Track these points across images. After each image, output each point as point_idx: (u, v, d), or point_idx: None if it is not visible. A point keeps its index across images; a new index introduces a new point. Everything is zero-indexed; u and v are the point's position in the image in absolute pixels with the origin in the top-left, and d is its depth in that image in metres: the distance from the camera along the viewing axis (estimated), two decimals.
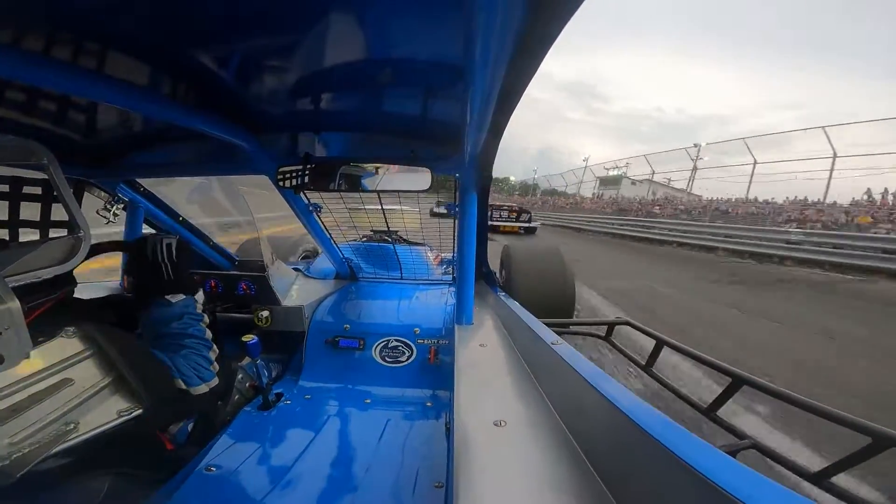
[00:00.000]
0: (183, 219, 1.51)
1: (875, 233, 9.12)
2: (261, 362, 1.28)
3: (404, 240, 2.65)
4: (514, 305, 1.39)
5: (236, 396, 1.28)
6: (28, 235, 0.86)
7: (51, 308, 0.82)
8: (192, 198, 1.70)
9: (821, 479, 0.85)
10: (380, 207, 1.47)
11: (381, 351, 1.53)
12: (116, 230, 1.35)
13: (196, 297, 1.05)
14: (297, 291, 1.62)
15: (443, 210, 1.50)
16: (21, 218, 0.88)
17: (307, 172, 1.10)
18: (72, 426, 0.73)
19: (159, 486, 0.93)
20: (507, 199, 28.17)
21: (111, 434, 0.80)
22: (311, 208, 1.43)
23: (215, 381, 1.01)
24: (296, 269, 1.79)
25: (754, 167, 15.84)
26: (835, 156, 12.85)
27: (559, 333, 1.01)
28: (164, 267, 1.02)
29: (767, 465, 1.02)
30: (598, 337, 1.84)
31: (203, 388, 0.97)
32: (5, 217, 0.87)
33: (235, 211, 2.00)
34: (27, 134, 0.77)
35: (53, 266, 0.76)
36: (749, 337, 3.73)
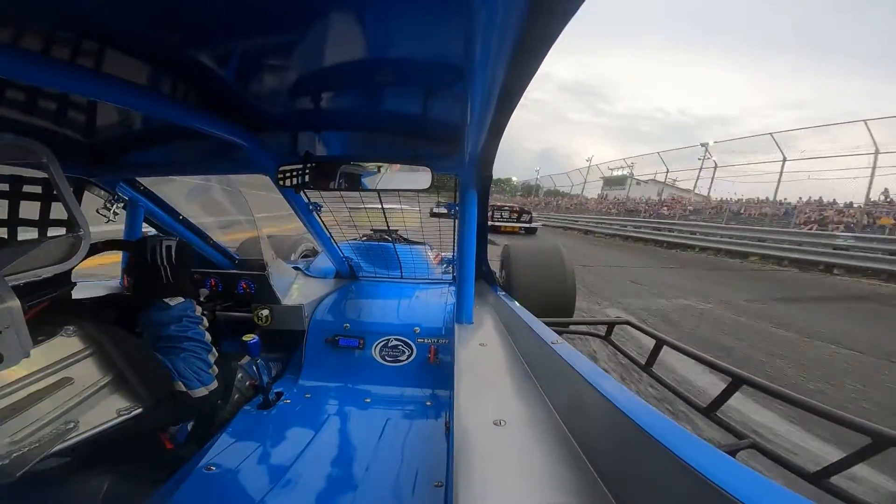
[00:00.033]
0: (183, 218, 1.51)
1: None
2: (261, 361, 1.29)
3: (404, 239, 2.65)
4: (514, 305, 1.39)
5: (236, 395, 1.29)
6: (28, 234, 0.86)
7: (51, 307, 0.82)
8: (191, 197, 1.70)
9: (820, 479, 0.85)
10: (380, 206, 1.47)
11: (380, 350, 1.53)
12: (117, 228, 1.35)
13: (200, 291, 1.05)
14: (297, 290, 1.62)
15: (443, 210, 1.50)
16: (21, 217, 0.88)
17: (307, 171, 1.10)
18: (72, 425, 0.73)
19: (159, 484, 0.93)
20: (509, 199, 28.12)
21: (111, 433, 0.80)
22: (311, 207, 1.43)
23: (214, 385, 1.02)
24: (296, 268, 1.79)
25: (783, 164, 13.78)
26: (877, 152, 11.02)
27: (559, 333, 1.01)
28: (164, 270, 1.02)
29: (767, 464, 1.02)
30: (598, 336, 1.84)
31: (203, 392, 0.98)
32: (5, 216, 0.87)
33: (235, 210, 2.00)
34: (27, 133, 0.76)
35: (53, 265, 0.76)
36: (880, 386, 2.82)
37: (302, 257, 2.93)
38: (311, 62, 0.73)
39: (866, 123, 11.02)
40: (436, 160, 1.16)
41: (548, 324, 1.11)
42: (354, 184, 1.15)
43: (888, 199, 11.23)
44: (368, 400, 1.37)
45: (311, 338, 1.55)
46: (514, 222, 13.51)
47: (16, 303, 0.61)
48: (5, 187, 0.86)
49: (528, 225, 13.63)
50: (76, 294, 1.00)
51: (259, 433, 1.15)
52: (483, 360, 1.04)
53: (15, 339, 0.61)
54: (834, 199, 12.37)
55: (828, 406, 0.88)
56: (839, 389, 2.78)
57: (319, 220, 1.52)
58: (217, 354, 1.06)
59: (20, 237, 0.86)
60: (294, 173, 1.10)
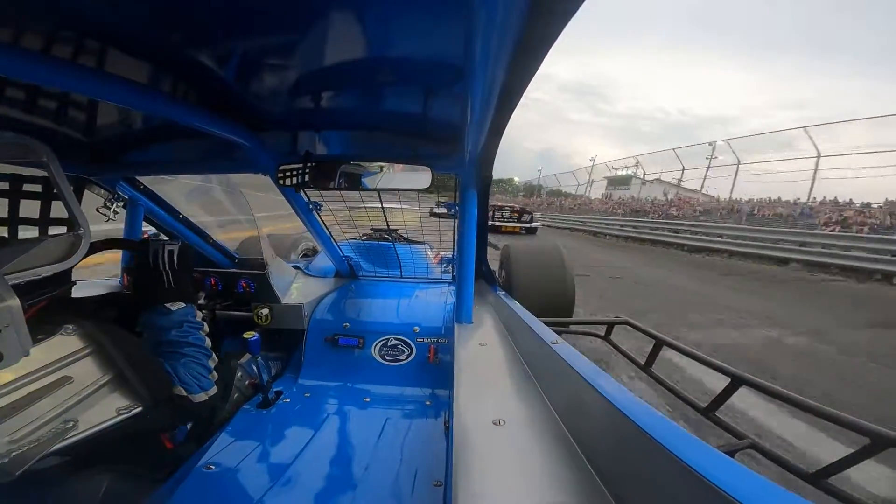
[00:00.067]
0: (183, 217, 1.51)
1: None
2: (261, 360, 1.29)
3: (404, 238, 2.64)
4: (514, 305, 1.39)
5: (236, 394, 1.29)
6: (28, 233, 0.86)
7: (50, 305, 0.83)
8: (191, 196, 1.70)
9: (818, 479, 0.85)
10: (380, 206, 1.47)
11: (380, 349, 1.53)
12: (117, 227, 1.35)
13: (198, 294, 1.05)
14: (297, 289, 1.62)
15: (443, 209, 1.50)
16: (21, 215, 0.88)
17: (308, 171, 1.10)
18: (71, 424, 0.74)
19: (158, 483, 0.93)
20: (510, 200, 28.02)
21: (111, 432, 0.80)
22: (311, 206, 1.43)
23: (214, 390, 1.03)
24: (295, 267, 1.79)
25: (818, 161, 12.41)
26: None
27: (559, 333, 1.01)
28: (166, 275, 1.02)
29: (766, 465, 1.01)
30: (598, 336, 1.84)
31: (203, 397, 0.99)
32: (5, 214, 0.87)
33: (235, 209, 2.00)
34: (27, 131, 0.76)
35: (53, 264, 0.76)
36: None
37: (302, 256, 2.93)
38: (311, 62, 0.73)
39: None
40: (436, 160, 1.16)
41: (547, 324, 1.11)
42: (354, 183, 1.15)
43: None
44: (368, 399, 1.37)
45: (311, 337, 1.55)
46: (514, 222, 13.66)
47: (16, 301, 0.61)
48: (5, 186, 0.86)
49: (528, 225, 13.77)
50: (76, 293, 1.01)
51: (258, 432, 1.15)
52: (483, 359, 1.04)
53: (15, 337, 0.61)
54: (850, 199, 11.29)
55: (826, 406, 0.88)
56: None
57: (319, 219, 1.52)
58: (217, 360, 1.07)
59: (20, 236, 0.86)
60: (294, 172, 1.10)
